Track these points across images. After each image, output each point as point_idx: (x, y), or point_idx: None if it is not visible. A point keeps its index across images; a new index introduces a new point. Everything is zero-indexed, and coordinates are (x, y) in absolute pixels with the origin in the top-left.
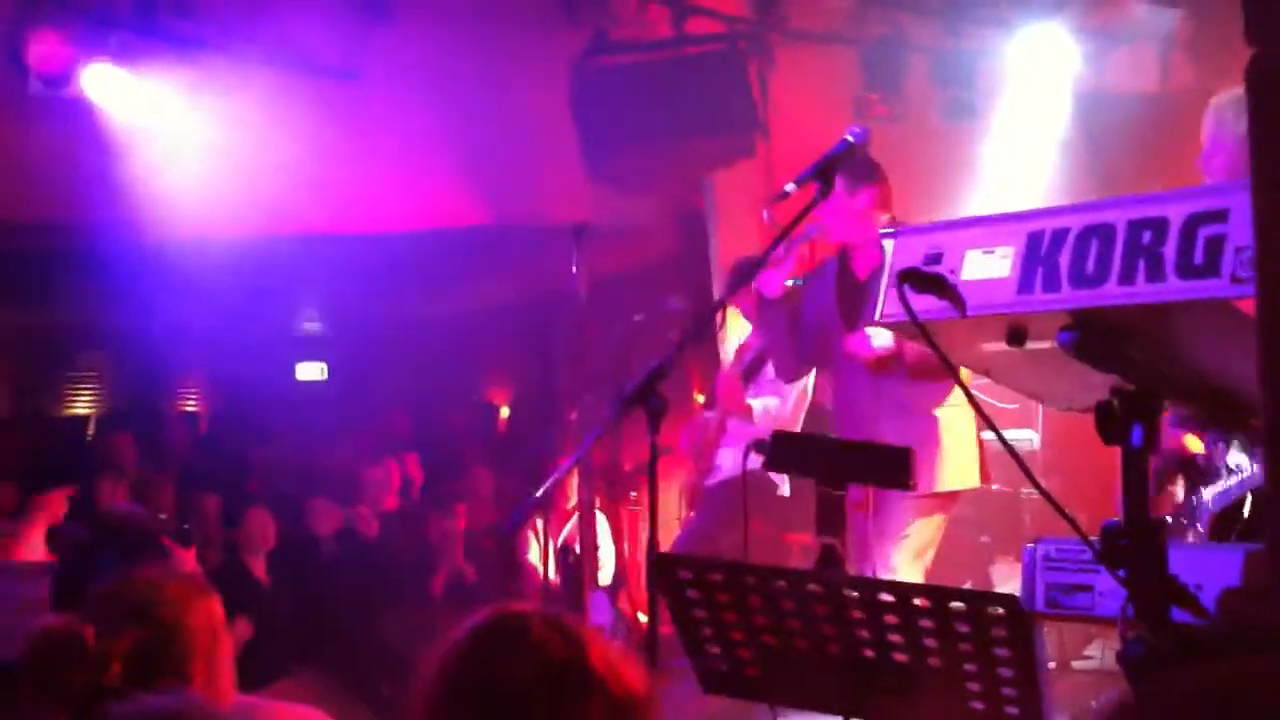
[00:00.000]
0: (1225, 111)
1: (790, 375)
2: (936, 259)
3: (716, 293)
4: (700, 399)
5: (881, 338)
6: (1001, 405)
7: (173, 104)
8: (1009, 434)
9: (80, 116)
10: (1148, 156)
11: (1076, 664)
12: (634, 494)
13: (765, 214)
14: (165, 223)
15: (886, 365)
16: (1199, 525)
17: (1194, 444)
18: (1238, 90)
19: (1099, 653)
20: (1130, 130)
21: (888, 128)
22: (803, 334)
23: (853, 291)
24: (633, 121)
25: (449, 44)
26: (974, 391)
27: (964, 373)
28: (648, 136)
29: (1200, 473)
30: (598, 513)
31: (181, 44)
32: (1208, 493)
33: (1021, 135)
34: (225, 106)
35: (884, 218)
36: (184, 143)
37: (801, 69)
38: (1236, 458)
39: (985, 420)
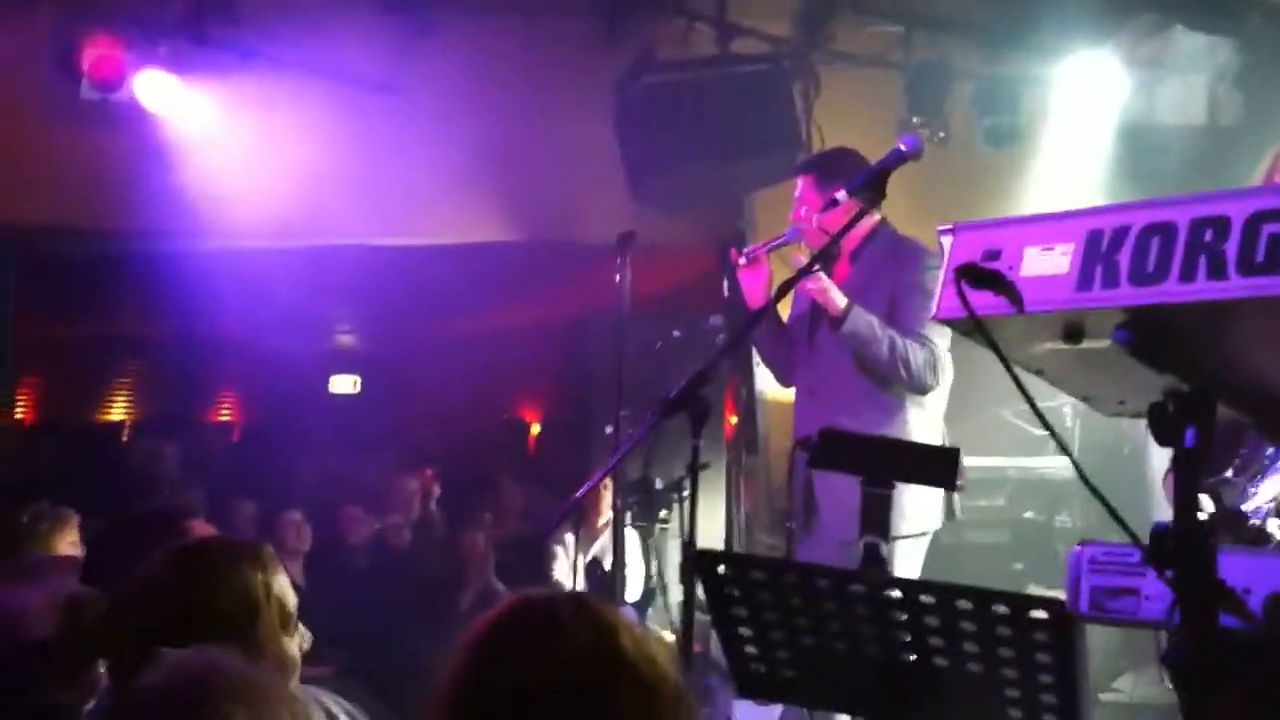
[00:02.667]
0: None
1: (788, 382)
2: (995, 255)
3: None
4: (734, 420)
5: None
6: (1035, 431)
7: (218, 112)
8: (1042, 461)
9: (130, 122)
10: (1192, 191)
11: (1104, 697)
12: (664, 513)
13: (815, 219)
14: (205, 231)
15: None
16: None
17: None
18: None
19: (1128, 686)
20: (1175, 164)
21: (930, 152)
22: (792, 340)
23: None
24: (675, 140)
25: (492, 61)
26: (1027, 391)
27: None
28: (690, 155)
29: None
30: (629, 529)
31: (229, 54)
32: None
33: (1065, 164)
34: (268, 117)
35: (874, 219)
36: (227, 151)
37: (845, 91)
38: None
39: (1039, 417)
